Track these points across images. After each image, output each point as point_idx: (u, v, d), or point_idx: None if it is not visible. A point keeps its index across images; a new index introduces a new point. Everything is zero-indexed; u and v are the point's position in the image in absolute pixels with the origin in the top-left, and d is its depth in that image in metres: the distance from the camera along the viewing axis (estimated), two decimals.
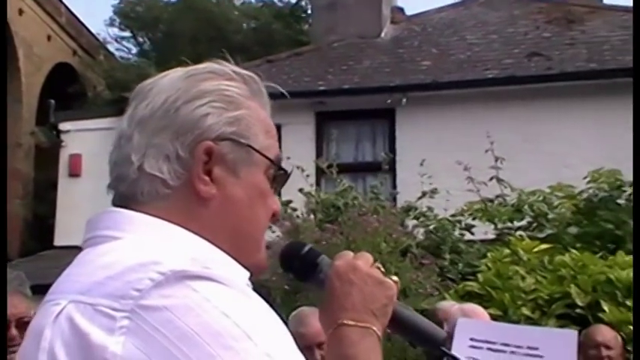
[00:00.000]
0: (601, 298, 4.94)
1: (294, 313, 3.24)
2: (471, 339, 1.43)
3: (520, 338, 1.41)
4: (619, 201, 6.58)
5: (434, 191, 6.73)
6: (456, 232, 6.50)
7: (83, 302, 0.98)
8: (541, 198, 6.65)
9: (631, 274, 4.97)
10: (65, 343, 0.97)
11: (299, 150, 8.97)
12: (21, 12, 17.13)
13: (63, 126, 11.48)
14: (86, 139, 10.93)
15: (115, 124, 5.98)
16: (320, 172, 8.49)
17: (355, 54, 11.52)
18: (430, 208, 6.76)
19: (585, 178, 6.72)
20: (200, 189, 1.10)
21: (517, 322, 4.91)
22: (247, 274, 1.09)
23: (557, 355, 1.35)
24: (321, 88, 10.66)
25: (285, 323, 1.04)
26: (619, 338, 4.54)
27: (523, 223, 6.55)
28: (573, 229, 6.27)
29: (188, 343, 0.92)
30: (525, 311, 4.93)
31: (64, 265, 1.11)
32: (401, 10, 13.26)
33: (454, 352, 1.41)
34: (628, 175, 6.71)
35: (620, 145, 8.29)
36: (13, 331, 2.52)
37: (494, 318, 4.91)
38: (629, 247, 5.70)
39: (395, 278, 1.28)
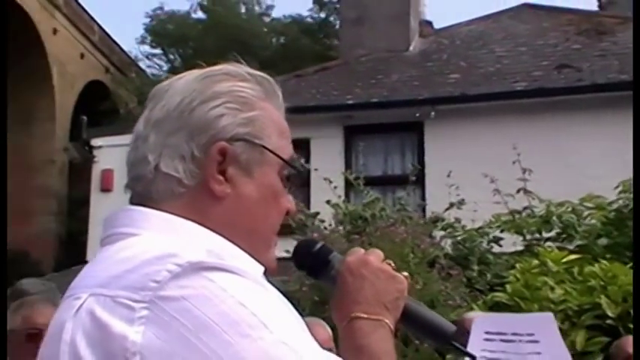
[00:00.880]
0: (632, 308, 4.88)
1: None
2: (486, 332, 1.46)
3: (522, 327, 1.45)
4: None
5: (461, 202, 6.72)
6: (484, 244, 6.47)
7: (103, 295, 1.00)
8: (570, 209, 6.60)
9: None
10: (86, 335, 0.99)
11: (327, 163, 9.00)
12: (55, 31, 17.47)
13: (95, 142, 11.65)
14: (118, 155, 11.06)
15: None
16: (348, 185, 8.51)
17: (383, 68, 11.55)
18: (458, 220, 6.75)
19: (617, 187, 6.66)
20: (215, 188, 1.13)
21: None
22: (262, 268, 1.11)
23: (547, 337, 1.41)
24: (349, 101, 10.70)
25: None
26: None
27: (552, 234, 6.51)
28: (603, 241, 6.21)
29: (206, 332, 0.94)
30: None
31: None
32: (429, 23, 13.28)
33: (470, 347, 1.43)
34: None
35: None
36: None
37: None
38: None
39: (405, 274, 1.30)
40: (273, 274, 1.20)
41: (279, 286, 1.08)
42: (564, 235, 6.41)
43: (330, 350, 1.08)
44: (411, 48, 12.13)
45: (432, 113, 10.05)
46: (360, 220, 6.05)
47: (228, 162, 1.14)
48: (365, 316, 1.18)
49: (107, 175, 11.35)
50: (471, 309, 4.70)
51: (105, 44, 19.87)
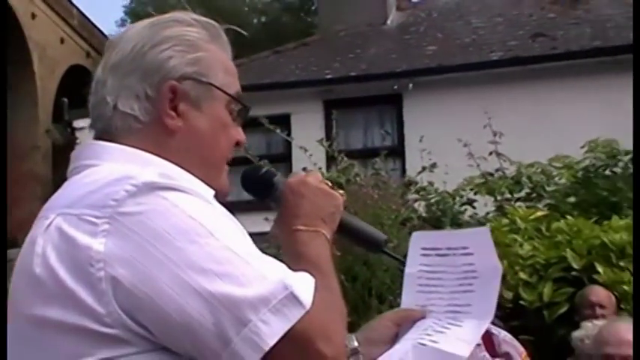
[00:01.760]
0: (595, 260, 5.08)
1: None
2: (422, 248, 1.59)
3: (457, 241, 1.58)
4: (615, 169, 6.71)
5: (433, 165, 6.88)
6: (457, 206, 6.65)
7: (69, 214, 1.14)
8: (539, 170, 6.78)
9: (624, 237, 5.11)
10: (55, 248, 1.12)
11: (308, 137, 9.13)
12: (34, 16, 17.39)
13: (77, 123, 11.72)
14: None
15: None
16: (330, 159, 8.65)
17: (362, 42, 11.66)
18: (431, 183, 6.92)
19: (583, 147, 6.84)
20: (168, 123, 1.27)
21: (515, 287, 5.06)
22: (212, 191, 1.24)
23: (481, 249, 1.53)
24: (329, 76, 10.81)
25: None
26: (612, 298, 4.69)
27: (522, 194, 6.69)
28: (571, 199, 6.40)
29: (160, 240, 1.08)
30: (523, 276, 5.08)
31: None
32: None
33: (408, 263, 1.58)
34: (624, 144, 6.84)
35: (624, 121, 8.37)
36: None
37: None
38: (624, 212, 5.84)
39: (341, 191, 1.44)
40: (226, 197, 1.33)
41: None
42: (534, 195, 6.60)
43: None
44: (389, 22, 12.23)
45: (411, 85, 10.17)
46: (336, 185, 6.16)
47: (178, 99, 1.27)
48: (304, 228, 1.30)
49: None
50: None
51: (85, 28, 19.76)
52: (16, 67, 16.56)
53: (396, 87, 10.22)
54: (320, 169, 7.74)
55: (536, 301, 4.98)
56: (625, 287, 4.85)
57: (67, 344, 1.10)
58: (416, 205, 6.44)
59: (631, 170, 6.59)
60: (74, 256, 1.11)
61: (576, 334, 4.22)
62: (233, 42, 1.40)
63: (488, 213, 6.51)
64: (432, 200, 6.57)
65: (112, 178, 1.15)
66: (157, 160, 1.24)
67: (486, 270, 1.51)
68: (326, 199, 1.36)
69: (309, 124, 10.20)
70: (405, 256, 1.62)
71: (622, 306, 4.67)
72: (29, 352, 1.15)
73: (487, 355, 1.65)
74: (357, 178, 5.90)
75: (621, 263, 5.02)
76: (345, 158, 6.44)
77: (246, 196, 1.48)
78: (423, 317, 1.54)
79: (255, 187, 1.45)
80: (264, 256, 1.14)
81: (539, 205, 6.22)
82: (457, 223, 6.24)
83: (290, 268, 1.15)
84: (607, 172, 6.73)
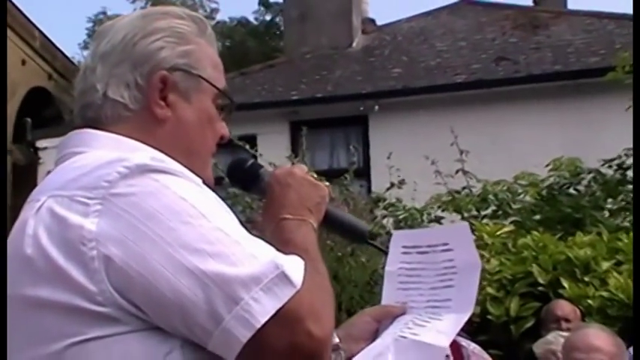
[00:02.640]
0: (561, 275, 5.17)
1: None
2: (403, 247, 1.61)
3: (437, 238, 1.60)
4: (578, 187, 6.85)
5: (402, 182, 6.95)
6: (425, 223, 6.72)
7: (61, 195, 1.14)
8: (505, 188, 6.89)
9: (588, 252, 5.21)
10: (47, 228, 1.13)
11: (274, 158, 9.14)
12: None
13: (40, 143, 11.61)
14: None
15: None
16: None
17: (327, 64, 11.74)
18: (399, 199, 6.98)
19: (547, 166, 6.97)
20: (157, 112, 1.29)
21: (483, 301, 5.11)
22: (199, 180, 1.24)
23: (461, 245, 1.55)
24: (295, 97, 10.86)
25: None
26: (578, 312, 4.76)
27: (488, 211, 6.79)
28: (536, 216, 6.51)
29: (152, 220, 1.09)
30: (490, 291, 5.14)
31: None
32: (372, 21, 13.53)
33: (388, 262, 1.60)
34: (587, 163, 6.99)
35: (584, 142, 8.56)
36: None
37: None
38: (587, 229, 5.95)
39: (327, 183, 1.46)
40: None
41: None
42: (500, 212, 6.70)
43: None
44: (354, 44, 12.35)
45: (376, 107, 10.27)
46: None
47: (168, 89, 1.29)
48: (290, 217, 1.32)
49: None
50: None
51: (47, 50, 19.55)
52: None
53: (361, 108, 10.31)
54: None
55: (503, 315, 5.04)
56: (589, 301, 4.93)
57: (59, 323, 1.10)
58: (384, 221, 6.50)
59: (594, 188, 6.74)
60: (66, 236, 1.11)
61: (539, 347, 4.27)
62: None
63: None
64: (400, 217, 6.63)
65: (103, 161, 1.16)
66: (145, 148, 1.24)
67: (466, 265, 1.54)
68: (312, 190, 1.38)
69: (276, 145, 10.19)
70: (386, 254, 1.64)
71: (586, 320, 4.74)
72: (21, 332, 1.14)
73: None
74: None
75: (586, 278, 5.12)
76: (315, 175, 6.46)
77: None
78: (403, 313, 1.55)
79: (241, 179, 1.47)
80: (254, 237, 1.15)
81: (505, 222, 6.31)
82: None
83: None
84: (571, 190, 6.86)
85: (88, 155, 1.22)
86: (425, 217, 6.79)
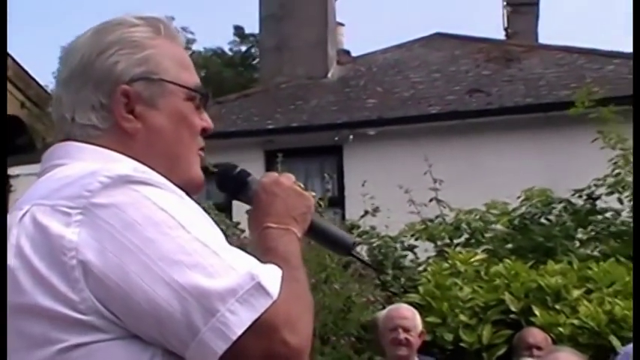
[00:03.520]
0: (532, 303, 5.21)
1: None
2: None
3: None
4: (549, 217, 6.95)
5: (376, 210, 7.00)
6: (398, 250, 6.76)
7: (44, 205, 1.15)
8: (478, 216, 6.96)
9: (559, 281, 5.27)
10: (29, 237, 1.13)
11: None
12: None
13: (12, 171, 11.49)
14: None
15: None
16: None
17: (303, 94, 11.82)
18: (373, 227, 7.02)
19: (519, 197, 7.06)
20: (126, 126, 1.29)
21: (456, 329, 5.14)
22: (181, 192, 1.24)
23: None
24: (270, 126, 10.90)
25: None
26: (549, 339, 4.80)
27: (461, 240, 6.85)
28: (509, 245, 6.58)
29: (131, 231, 1.10)
30: (463, 318, 5.17)
31: None
32: (347, 52, 13.67)
33: None
34: (557, 193, 7.10)
35: (554, 175, 8.68)
36: None
37: (434, 325, 5.14)
38: (558, 258, 6.02)
39: (313, 193, 1.46)
40: (200, 189, 1.35)
41: None
42: (473, 241, 6.76)
43: None
44: (330, 75, 12.45)
45: (351, 137, 10.34)
46: None
47: (133, 101, 1.29)
48: (275, 225, 1.32)
49: None
50: (383, 308, 4.93)
51: (20, 79, 19.38)
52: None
53: (336, 138, 10.37)
54: None
55: (475, 343, 5.07)
56: (560, 329, 4.98)
57: (43, 330, 1.11)
58: (358, 248, 6.51)
59: (564, 218, 6.83)
60: (48, 245, 1.12)
61: None
62: None
63: (429, 258, 6.63)
64: (374, 244, 6.67)
65: (86, 172, 1.17)
66: (128, 160, 1.25)
67: None
68: (298, 199, 1.39)
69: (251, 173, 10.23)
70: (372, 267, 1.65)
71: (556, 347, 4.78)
72: (8, 339, 1.15)
73: None
74: None
75: (557, 306, 5.17)
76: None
77: None
78: None
79: (228, 186, 1.47)
80: (232, 248, 1.16)
81: (478, 251, 6.36)
82: (399, 267, 6.34)
83: (260, 262, 1.16)
84: (542, 220, 6.95)
85: (72, 166, 1.23)
86: (398, 245, 6.82)
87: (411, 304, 5.08)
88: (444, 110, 10.58)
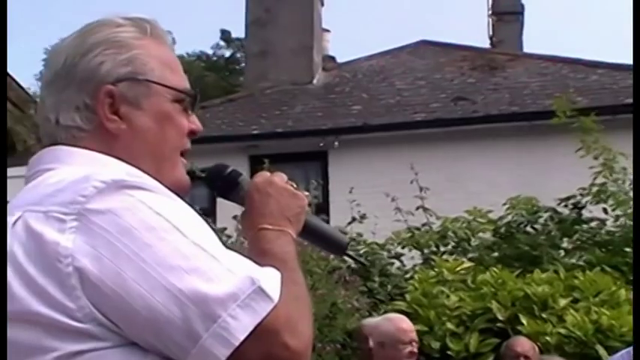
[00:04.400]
0: (519, 312, 5.21)
1: None
2: None
3: None
4: (535, 226, 6.97)
5: (363, 217, 6.98)
6: (385, 258, 6.75)
7: (36, 211, 1.11)
8: (464, 224, 6.97)
9: (546, 290, 5.28)
10: (22, 245, 1.10)
11: None
12: None
13: None
14: (15, 186, 10.82)
15: None
16: None
17: (288, 99, 11.80)
18: (359, 234, 7.00)
19: (505, 205, 7.08)
20: (110, 127, 1.26)
21: (443, 337, 5.12)
22: (175, 196, 1.20)
23: None
24: (255, 132, 10.87)
25: None
26: (536, 348, 4.79)
27: (448, 248, 6.85)
28: (495, 253, 6.59)
29: (128, 236, 1.07)
30: (450, 326, 5.15)
31: None
32: (332, 58, 13.68)
33: None
34: (541, 202, 7.12)
35: (538, 183, 8.71)
36: None
37: (421, 333, 5.11)
38: (545, 266, 6.03)
39: (306, 193, 1.43)
40: (187, 191, 1.31)
41: None
42: (459, 249, 6.76)
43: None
44: (315, 81, 12.45)
45: (336, 143, 10.34)
46: None
47: (118, 102, 1.26)
48: (270, 227, 1.29)
49: None
50: (370, 316, 4.90)
51: None
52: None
53: (321, 144, 10.36)
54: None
55: (462, 351, 5.05)
56: (547, 338, 4.98)
57: (40, 338, 1.08)
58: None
59: (550, 227, 6.85)
60: (42, 253, 1.08)
61: None
62: None
63: (415, 265, 6.62)
64: (361, 251, 6.65)
65: (79, 176, 1.13)
66: (115, 162, 1.23)
67: None
68: (292, 199, 1.36)
69: None
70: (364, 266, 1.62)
71: (543, 357, 4.78)
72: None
73: None
74: None
75: (543, 315, 5.17)
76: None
77: None
78: None
79: (220, 186, 1.43)
80: (230, 251, 1.14)
81: (464, 259, 6.36)
82: (385, 275, 6.32)
83: (256, 264, 1.14)
84: (528, 228, 6.97)
85: (63, 170, 1.19)
86: (385, 253, 6.81)
87: (397, 311, 5.06)
88: (428, 117, 10.61)
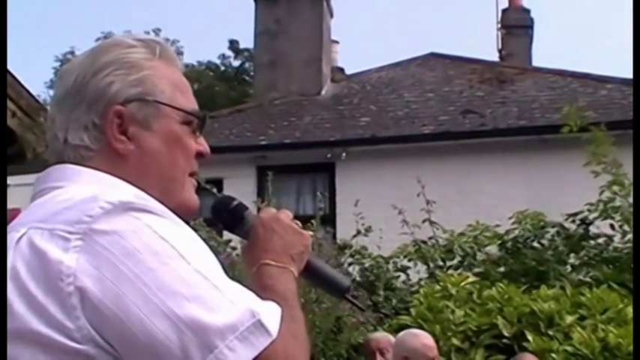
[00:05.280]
0: (525, 328, 5.18)
1: None
2: None
3: None
4: (542, 241, 6.93)
5: (368, 230, 6.96)
6: (390, 271, 6.72)
7: (42, 228, 1.11)
8: (470, 239, 6.94)
9: (552, 306, 5.24)
10: (25, 262, 1.10)
11: None
12: None
13: None
14: (25, 194, 10.84)
15: None
16: None
17: (296, 110, 11.81)
18: (364, 247, 6.99)
19: (510, 218, 7.04)
20: (118, 147, 1.26)
21: (448, 352, 5.09)
22: (181, 221, 1.20)
23: None
24: (263, 142, 10.88)
25: None
26: None
27: (454, 262, 6.81)
28: (501, 268, 6.55)
29: (131, 259, 1.06)
30: (455, 342, 5.12)
31: None
32: (341, 69, 13.69)
33: None
34: (550, 216, 7.07)
35: (547, 198, 8.68)
36: None
37: None
38: (551, 282, 5.99)
39: (310, 232, 1.44)
40: (194, 213, 1.33)
41: None
42: (465, 264, 6.73)
43: None
44: (323, 92, 12.46)
45: (344, 154, 10.33)
46: None
47: (127, 122, 1.27)
48: (273, 263, 1.30)
49: (14, 215, 11.02)
50: (376, 330, 4.88)
51: (12, 88, 19.36)
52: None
53: (329, 156, 10.35)
54: None
55: None
56: (554, 355, 4.94)
57: (31, 357, 1.07)
58: (350, 268, 6.48)
59: (557, 242, 6.81)
60: (45, 271, 1.08)
61: None
62: None
63: (420, 279, 6.59)
64: (367, 265, 6.63)
65: (87, 196, 1.14)
66: (123, 184, 1.23)
67: None
68: (296, 238, 1.37)
69: (242, 189, 10.15)
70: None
71: None
72: None
73: None
74: None
75: (550, 332, 5.14)
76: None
77: None
78: None
79: (225, 219, 1.44)
80: (232, 282, 1.14)
81: (470, 274, 6.33)
82: (390, 289, 6.30)
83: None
84: (534, 244, 6.93)
85: (72, 189, 1.19)
86: (391, 266, 6.79)
87: (402, 326, 5.04)
88: (437, 130, 10.59)
